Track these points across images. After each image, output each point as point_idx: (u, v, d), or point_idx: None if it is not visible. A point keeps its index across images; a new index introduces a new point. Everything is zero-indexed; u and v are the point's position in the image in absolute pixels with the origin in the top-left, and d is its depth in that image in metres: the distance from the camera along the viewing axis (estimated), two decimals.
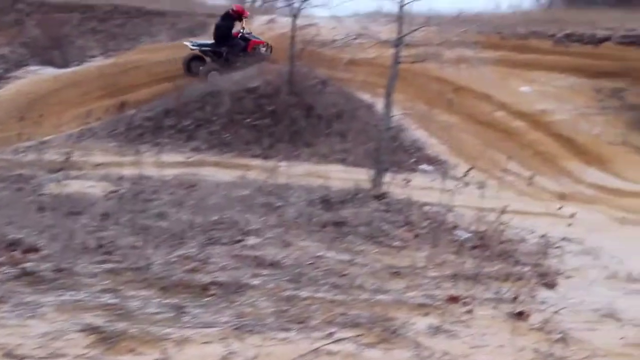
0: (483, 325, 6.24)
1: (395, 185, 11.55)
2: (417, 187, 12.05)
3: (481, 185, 11.21)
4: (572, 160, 17.48)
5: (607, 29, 21.51)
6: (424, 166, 16.19)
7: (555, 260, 8.77)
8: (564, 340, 6.04)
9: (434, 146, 17.09)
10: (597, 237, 10.39)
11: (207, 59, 19.69)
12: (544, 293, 7.35)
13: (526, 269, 8.08)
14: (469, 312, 6.48)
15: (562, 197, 15.16)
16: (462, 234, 9.30)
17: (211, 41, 19.88)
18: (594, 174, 16.82)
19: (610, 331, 6.47)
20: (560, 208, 12.07)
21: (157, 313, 5.84)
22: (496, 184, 14.85)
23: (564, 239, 10.05)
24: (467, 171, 11.72)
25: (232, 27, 19.73)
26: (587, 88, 19.90)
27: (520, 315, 6.48)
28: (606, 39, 21.16)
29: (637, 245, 10.44)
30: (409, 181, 11.99)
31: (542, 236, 9.74)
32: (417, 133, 17.51)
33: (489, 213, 9.90)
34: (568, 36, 21.66)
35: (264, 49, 19.96)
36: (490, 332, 6.09)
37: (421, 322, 6.13)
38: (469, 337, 5.96)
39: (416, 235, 8.96)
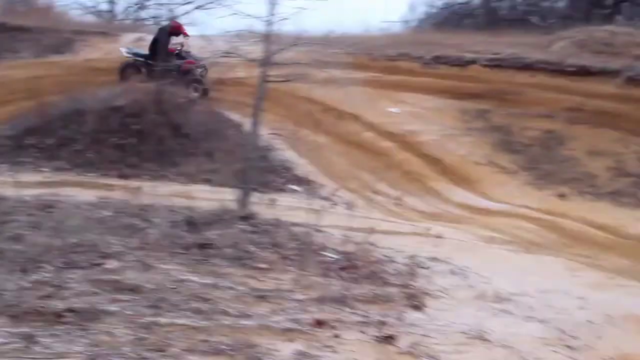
0: (350, 350, 6.03)
1: (262, 206, 11.27)
2: (285, 208, 11.83)
3: (350, 206, 11.05)
4: (440, 180, 17.55)
5: (473, 52, 21.88)
6: (293, 186, 15.94)
7: (423, 281, 8.66)
8: None
9: (303, 166, 16.88)
10: (465, 257, 10.34)
11: (143, 70, 19.28)
12: (412, 315, 7.19)
13: (394, 290, 7.93)
14: (336, 336, 6.26)
15: (431, 216, 15.17)
16: (331, 255, 9.09)
17: (147, 52, 19.43)
18: (461, 194, 16.90)
19: (479, 353, 6.38)
20: (429, 229, 12.04)
21: (4, 343, 5.43)
22: (365, 204, 14.78)
23: (432, 258, 9.96)
24: (335, 191, 11.58)
25: (168, 42, 19.30)
26: (453, 109, 20.14)
27: (388, 339, 6.29)
28: (473, 61, 21.49)
29: (503, 265, 10.47)
30: (275, 202, 11.74)
31: (411, 256, 9.66)
32: (286, 153, 17.29)
33: (357, 233, 9.75)
34: (436, 58, 21.92)
35: (200, 70, 19.48)
36: (357, 357, 5.88)
37: (286, 348, 5.88)
38: None
39: (283, 257, 8.69)
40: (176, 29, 19.65)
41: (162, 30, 19.87)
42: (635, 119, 18.37)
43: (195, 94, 19.12)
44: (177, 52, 19.32)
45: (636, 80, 19.18)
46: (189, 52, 19.60)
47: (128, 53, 19.64)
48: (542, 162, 18.07)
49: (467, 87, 20.63)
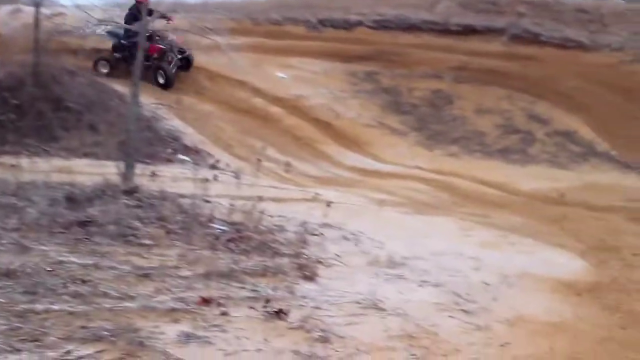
0: (239, 327, 5.71)
1: (148, 178, 10.83)
2: (173, 179, 11.39)
3: (239, 174, 10.72)
4: (330, 144, 17.36)
5: (359, 14, 21.64)
6: (182, 157, 15.48)
7: (315, 249, 8.38)
8: (325, 338, 5.62)
9: (191, 136, 16.42)
10: (357, 222, 10.13)
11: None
12: (304, 286, 6.91)
13: (285, 260, 7.62)
14: (224, 314, 5.93)
15: (322, 181, 14.96)
16: (219, 227, 8.73)
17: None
18: (352, 157, 16.77)
19: (373, 324, 6.15)
20: (317, 194, 11.80)
21: None
22: (255, 171, 14.44)
23: (324, 225, 9.69)
24: (224, 160, 11.23)
25: (136, 19, 16.49)
26: (341, 72, 19.92)
27: (279, 314, 6.01)
28: (358, 23, 21.25)
29: (396, 228, 10.31)
30: (160, 173, 11.30)
31: (302, 224, 9.37)
32: (173, 123, 16.79)
33: (247, 202, 9.42)
34: (322, 22, 21.60)
35: (174, 57, 18.47)
36: (246, 335, 5.57)
37: (171, 330, 5.52)
38: (223, 343, 5.41)
39: (169, 232, 8.28)
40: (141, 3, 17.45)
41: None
42: (521, 76, 18.50)
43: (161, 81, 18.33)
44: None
45: (521, 37, 19.30)
46: (162, 34, 18.08)
47: (107, 32, 18.36)
48: (431, 122, 18.07)
49: (354, 49, 20.41)
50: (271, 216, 9.47)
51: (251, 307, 6.11)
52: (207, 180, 10.00)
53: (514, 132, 17.26)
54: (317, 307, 6.27)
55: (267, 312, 6.03)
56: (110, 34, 18.41)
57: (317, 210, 10.81)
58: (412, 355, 5.71)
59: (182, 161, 15.01)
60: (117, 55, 18.59)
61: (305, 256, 7.94)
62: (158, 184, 10.43)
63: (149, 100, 15.39)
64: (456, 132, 17.57)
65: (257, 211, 9.09)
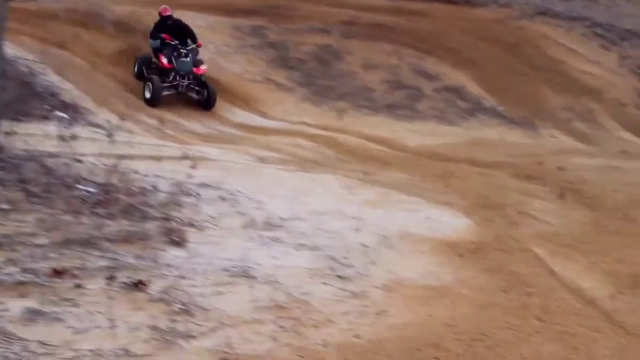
0: (93, 301, 5.23)
1: (15, 137, 10.11)
2: (44, 138, 10.70)
3: (113, 131, 10.13)
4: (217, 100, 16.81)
5: None
6: (59, 113, 14.68)
7: (189, 211, 7.90)
8: (187, 311, 5.21)
9: (70, 91, 15.60)
10: (238, 181, 9.68)
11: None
12: (171, 253, 6.44)
13: (154, 225, 7.13)
14: (78, 286, 5.44)
15: (206, 139, 14.42)
16: (86, 189, 8.15)
17: None
18: (239, 114, 16.25)
19: (241, 294, 5.78)
20: (202, 152, 11.30)
21: None
22: (136, 128, 13.82)
23: (202, 185, 9.19)
24: (103, 116, 10.59)
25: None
26: (227, 26, 19.23)
27: (138, 285, 5.55)
28: None
29: (278, 187, 9.90)
30: (17, 132, 10.56)
31: (177, 184, 8.85)
32: (50, 78, 15.91)
33: (122, 162, 8.85)
34: None
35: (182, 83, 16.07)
36: (100, 310, 5.10)
37: (16, 306, 5.01)
38: (74, 319, 4.95)
39: (30, 195, 7.67)
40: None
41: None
42: (409, 31, 18.28)
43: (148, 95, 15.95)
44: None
45: None
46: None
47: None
48: (319, 78, 17.64)
49: (240, 3, 19.80)
50: (145, 176, 8.93)
51: (109, 279, 5.61)
52: (77, 138, 9.35)
53: (402, 87, 17.01)
54: (182, 277, 5.85)
55: (125, 283, 5.56)
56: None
57: (197, 169, 10.32)
58: (280, 327, 5.35)
59: (60, 118, 14.25)
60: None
61: (177, 220, 7.47)
62: (25, 143, 9.76)
63: (21, 54, 14.47)
64: (344, 87, 17.21)
65: (130, 171, 8.56)
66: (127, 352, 4.70)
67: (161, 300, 5.37)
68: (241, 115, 16.17)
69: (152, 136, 13.44)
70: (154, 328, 4.94)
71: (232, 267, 6.25)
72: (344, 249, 7.21)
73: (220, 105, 16.53)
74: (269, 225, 7.78)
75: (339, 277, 6.49)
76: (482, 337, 5.56)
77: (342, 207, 8.98)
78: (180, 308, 5.27)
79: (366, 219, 8.49)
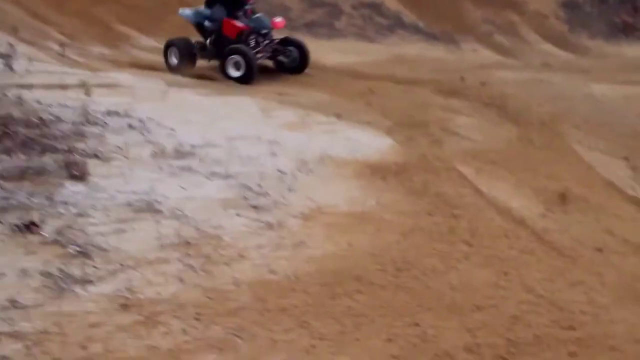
0: None
1: None
2: None
3: (10, 59, 9.45)
4: (130, 24, 16.03)
5: None
6: None
7: (94, 142, 7.34)
8: (84, 253, 4.72)
9: None
10: (151, 107, 9.12)
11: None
12: (69, 189, 5.91)
13: (53, 158, 6.57)
14: None
15: (119, 65, 13.73)
16: None
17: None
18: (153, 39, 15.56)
19: (145, 231, 5.30)
20: (113, 78, 10.66)
21: None
22: (44, 55, 13.06)
23: (110, 112, 8.61)
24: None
25: None
26: None
27: (30, 227, 5.03)
28: None
29: (192, 112, 9.37)
30: None
31: (83, 113, 8.27)
32: None
33: (22, 91, 8.23)
34: None
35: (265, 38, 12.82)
36: None
37: None
38: None
39: None
40: None
41: None
42: None
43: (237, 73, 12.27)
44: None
45: None
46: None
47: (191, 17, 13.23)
48: None
49: None
50: (49, 106, 8.32)
51: None
52: None
53: (320, 5, 16.44)
54: (80, 215, 5.34)
55: (16, 225, 5.04)
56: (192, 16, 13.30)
57: (109, 96, 9.72)
58: (188, 266, 4.91)
59: None
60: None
61: (80, 151, 6.91)
62: None
63: None
64: (261, 6, 16.53)
65: (32, 101, 7.94)
66: (13, 303, 4.23)
67: (55, 242, 4.88)
68: (154, 39, 15.46)
69: (57, 63, 12.73)
70: (46, 274, 4.46)
71: (137, 201, 5.77)
72: (259, 176, 6.76)
73: (132, 30, 15.85)
74: (180, 153, 7.29)
75: (254, 207, 6.05)
76: (407, 266, 5.20)
77: (259, 131, 8.53)
78: (76, 250, 4.79)
79: (284, 142, 8.06)
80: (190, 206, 5.82)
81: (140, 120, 8.32)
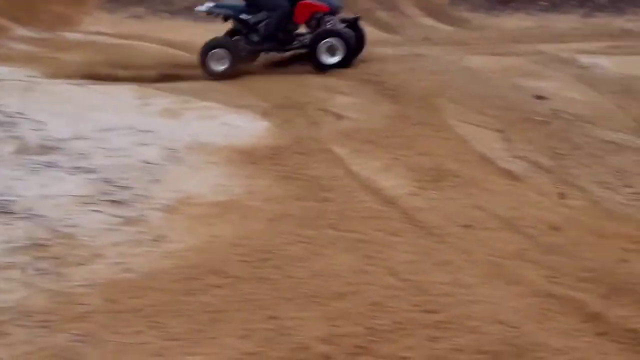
0: None
1: None
2: None
3: None
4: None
5: None
6: None
7: None
8: None
9: None
10: (18, 101, 8.78)
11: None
12: None
13: None
14: None
15: None
16: None
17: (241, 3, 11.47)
18: (29, 30, 15.07)
19: None
20: None
21: None
22: None
23: None
24: None
25: None
26: None
27: None
28: None
29: (65, 104, 9.06)
30: None
31: None
32: None
33: None
34: None
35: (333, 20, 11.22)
36: None
37: None
38: None
39: None
40: None
41: None
42: None
43: (333, 59, 10.79)
44: None
45: None
46: None
47: (209, 9, 11.66)
48: None
49: None
50: None
51: None
52: None
53: None
54: None
55: None
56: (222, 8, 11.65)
57: None
58: (38, 270, 4.67)
59: None
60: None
61: None
62: None
63: None
64: None
65: None
66: None
67: None
68: (30, 30, 14.99)
69: None
70: None
71: None
72: (124, 169, 6.53)
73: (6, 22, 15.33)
74: (45, 148, 7.03)
75: (114, 202, 5.81)
76: (270, 255, 5.02)
77: (133, 120, 8.30)
78: None
79: (158, 131, 7.87)
80: (45, 205, 5.57)
81: (8, 115, 8.01)
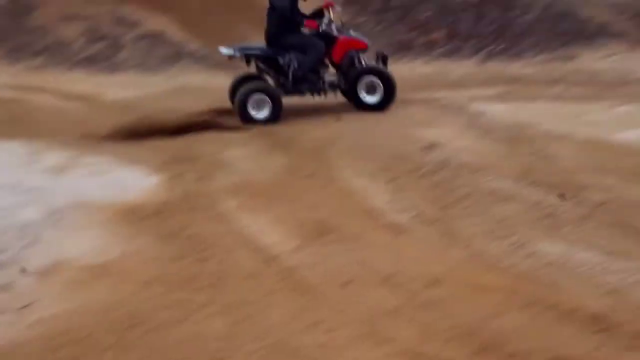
0: None
1: None
2: None
3: None
4: None
5: None
6: None
7: None
8: None
9: None
10: None
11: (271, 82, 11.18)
12: None
13: None
14: None
15: None
16: None
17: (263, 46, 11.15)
18: None
19: None
20: None
21: None
22: None
23: None
24: None
25: (295, 7, 10.92)
26: None
27: None
28: None
29: None
30: None
31: None
32: None
33: None
34: None
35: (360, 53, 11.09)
36: None
37: None
38: None
39: None
40: None
41: None
42: None
43: (372, 99, 10.90)
44: (318, 27, 10.98)
45: None
46: (333, 23, 11.17)
47: (233, 52, 11.11)
48: (13, 34, 16.34)
49: None
50: None
51: None
52: None
53: (100, 38, 16.03)
54: None
55: None
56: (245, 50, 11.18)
57: None
58: None
59: None
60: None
61: None
62: None
63: None
64: (39, 43, 16.03)
65: None
66: None
67: None
68: None
69: None
70: None
71: None
72: (8, 228, 6.34)
73: None
74: None
75: None
76: (138, 322, 4.90)
77: (22, 177, 8.12)
78: None
79: (43, 189, 7.67)
80: None
81: None
